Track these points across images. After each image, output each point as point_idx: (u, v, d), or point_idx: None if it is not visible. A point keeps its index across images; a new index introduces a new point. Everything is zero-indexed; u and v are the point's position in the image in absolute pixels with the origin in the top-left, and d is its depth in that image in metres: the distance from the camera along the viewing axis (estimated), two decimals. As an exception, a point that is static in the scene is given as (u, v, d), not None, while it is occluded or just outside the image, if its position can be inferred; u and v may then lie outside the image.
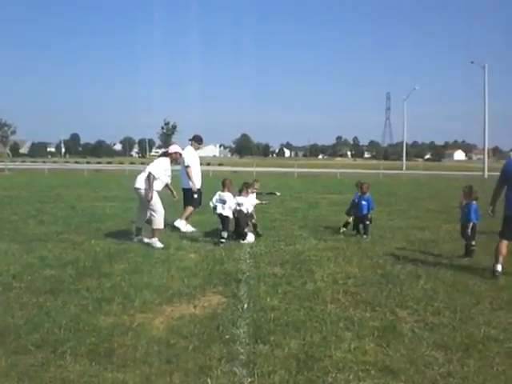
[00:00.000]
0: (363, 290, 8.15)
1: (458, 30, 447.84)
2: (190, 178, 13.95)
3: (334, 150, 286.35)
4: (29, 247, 11.16)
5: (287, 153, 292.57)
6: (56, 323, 6.30)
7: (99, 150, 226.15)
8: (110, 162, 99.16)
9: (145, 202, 11.75)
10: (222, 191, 12.35)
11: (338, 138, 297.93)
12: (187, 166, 13.92)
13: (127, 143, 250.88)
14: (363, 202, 13.65)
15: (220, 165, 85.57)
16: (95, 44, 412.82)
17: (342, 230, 13.81)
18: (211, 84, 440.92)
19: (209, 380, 4.94)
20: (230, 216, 12.11)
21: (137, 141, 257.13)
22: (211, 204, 12.35)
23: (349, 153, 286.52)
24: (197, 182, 14.07)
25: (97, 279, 8.48)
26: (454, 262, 10.30)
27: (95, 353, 5.48)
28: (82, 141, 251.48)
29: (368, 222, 13.57)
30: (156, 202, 11.72)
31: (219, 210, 12.15)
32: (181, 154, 12.82)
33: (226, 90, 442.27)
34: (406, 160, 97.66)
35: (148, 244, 11.49)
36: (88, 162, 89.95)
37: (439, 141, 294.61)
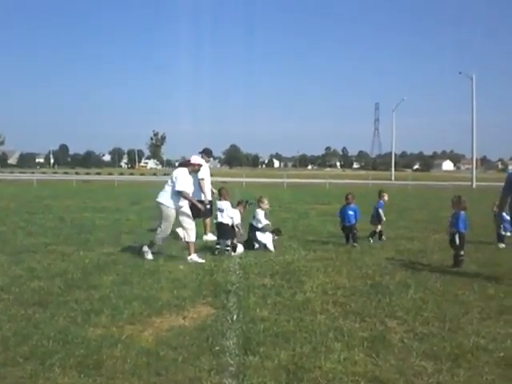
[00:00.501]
0: (353, 300, 8.15)
1: (447, 41, 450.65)
2: (202, 190, 14.08)
3: (323, 161, 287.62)
4: (17, 258, 11.10)
5: (276, 163, 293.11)
6: (44, 335, 6.26)
7: (88, 160, 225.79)
8: (98, 173, 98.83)
9: (164, 217, 11.41)
10: (219, 200, 12.48)
11: (327, 148, 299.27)
12: (201, 179, 14.07)
13: (116, 154, 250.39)
14: (350, 212, 13.75)
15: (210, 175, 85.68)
16: (84, 55, 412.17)
17: (371, 241, 14.06)
18: (200, 95, 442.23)
19: (198, 392, 4.92)
20: (230, 223, 12.23)
21: (126, 151, 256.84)
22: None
23: (338, 163, 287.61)
24: (208, 194, 14.32)
25: (86, 291, 8.44)
26: (443, 272, 10.32)
27: (84, 365, 5.45)
28: (71, 151, 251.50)
29: (355, 231, 13.71)
30: (187, 216, 11.46)
31: (219, 218, 12.30)
32: (201, 166, 12.63)
33: (215, 101, 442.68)
34: (395, 170, 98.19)
35: (188, 261, 11.11)
36: (77, 173, 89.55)
37: (428, 151, 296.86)
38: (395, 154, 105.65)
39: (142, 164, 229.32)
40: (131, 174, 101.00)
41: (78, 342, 6.09)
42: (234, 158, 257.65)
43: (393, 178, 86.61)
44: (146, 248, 11.48)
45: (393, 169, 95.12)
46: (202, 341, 6.19)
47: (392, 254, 12.33)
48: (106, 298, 7.97)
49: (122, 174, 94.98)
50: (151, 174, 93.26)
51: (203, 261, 11.10)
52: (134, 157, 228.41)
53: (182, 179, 11.36)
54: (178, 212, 11.30)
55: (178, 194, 11.23)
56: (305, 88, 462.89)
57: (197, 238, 11.76)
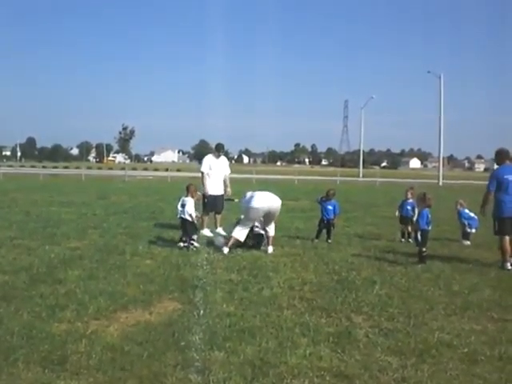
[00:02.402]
0: (319, 295, 8.18)
1: (415, 40, 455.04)
2: (202, 183, 14.49)
3: (292, 157, 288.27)
4: (-19, 253, 10.93)
5: (246, 159, 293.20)
6: (8, 330, 6.17)
7: (56, 154, 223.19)
8: (66, 167, 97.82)
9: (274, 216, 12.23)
10: (186, 196, 12.47)
11: (297, 145, 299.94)
12: (201, 172, 14.63)
13: (84, 148, 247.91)
14: (329, 207, 13.97)
15: (178, 170, 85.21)
16: (51, 46, 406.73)
17: (402, 240, 14.12)
18: (171, 89, 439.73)
19: (163, 387, 4.89)
20: (190, 219, 12.17)
21: (94, 145, 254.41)
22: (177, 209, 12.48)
23: (307, 160, 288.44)
24: (215, 188, 14.57)
25: (51, 285, 8.34)
26: (409, 269, 10.42)
27: (48, 360, 5.38)
28: (39, 145, 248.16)
29: (332, 228, 13.94)
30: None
31: (182, 214, 12.28)
32: None
33: (185, 95, 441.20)
34: (363, 167, 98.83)
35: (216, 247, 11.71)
36: (44, 167, 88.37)
37: (396, 149, 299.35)
38: (363, 152, 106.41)
39: (110, 158, 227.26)
40: (99, 168, 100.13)
41: (42, 337, 6.01)
42: (203, 153, 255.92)
43: (361, 175, 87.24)
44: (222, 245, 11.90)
45: (361, 166, 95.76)
46: (167, 336, 6.16)
47: (359, 250, 12.41)
48: (72, 293, 7.89)
49: (89, 168, 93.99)
50: (119, 169, 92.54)
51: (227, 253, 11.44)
52: (103, 151, 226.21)
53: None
54: None
55: None
56: (275, 85, 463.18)
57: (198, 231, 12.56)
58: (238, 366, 5.36)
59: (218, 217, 14.68)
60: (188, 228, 12.15)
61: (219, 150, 14.82)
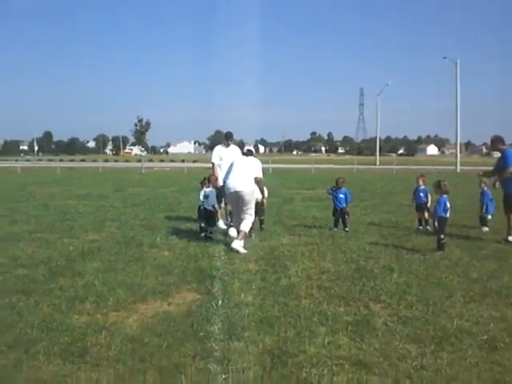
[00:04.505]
0: (337, 284, 8.18)
1: (432, 26, 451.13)
2: (213, 173, 14.05)
3: (308, 146, 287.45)
4: (1, 247, 11.03)
5: (262, 149, 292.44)
6: (28, 323, 6.23)
7: (72, 147, 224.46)
8: (83, 160, 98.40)
9: (244, 205, 11.32)
10: (208, 187, 12.59)
11: (313, 133, 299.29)
12: (212, 163, 14.46)
13: (101, 140, 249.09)
14: (341, 196, 13.88)
15: (195, 161, 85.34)
16: (66, 41, 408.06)
17: (420, 227, 13.99)
18: (185, 82, 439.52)
19: (183, 377, 4.91)
20: (213, 209, 12.29)
21: (110, 138, 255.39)
22: (199, 201, 12.65)
23: (323, 148, 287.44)
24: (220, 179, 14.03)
25: (70, 278, 8.41)
26: (427, 256, 10.37)
27: (68, 352, 5.43)
28: (55, 138, 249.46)
29: (347, 216, 13.86)
30: (254, 202, 11.68)
31: (204, 204, 12.42)
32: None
33: (200, 87, 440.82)
34: (380, 155, 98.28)
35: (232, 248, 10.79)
36: (61, 160, 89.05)
37: (412, 136, 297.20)
38: (380, 139, 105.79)
39: (126, 150, 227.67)
40: (116, 160, 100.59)
41: (62, 329, 6.06)
42: (219, 144, 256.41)
43: (377, 163, 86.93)
44: (238, 243, 10.96)
45: (377, 153, 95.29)
46: (186, 327, 6.19)
47: (376, 239, 12.37)
48: (91, 285, 7.95)
49: (106, 160, 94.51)
50: (136, 161, 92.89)
51: (245, 251, 10.72)
52: (119, 143, 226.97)
53: (258, 167, 12.01)
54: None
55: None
56: (291, 74, 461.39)
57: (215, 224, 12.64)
58: (256, 355, 5.37)
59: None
60: (210, 218, 12.26)
61: (228, 138, 14.58)
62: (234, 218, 11.87)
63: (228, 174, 11.74)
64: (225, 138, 14.71)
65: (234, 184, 11.34)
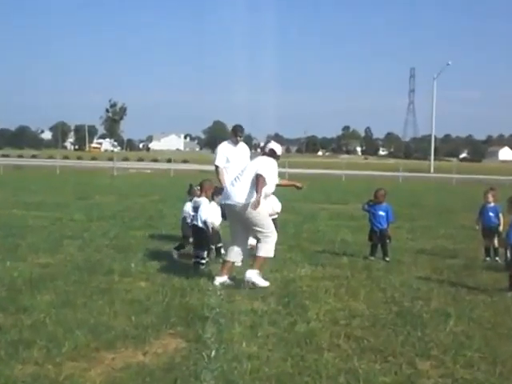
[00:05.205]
0: (372, 333, 8.17)
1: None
2: (219, 180, 14.05)
3: (338, 145, 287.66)
4: None
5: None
6: (-45, 376, 6.25)
7: (20, 139, 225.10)
8: (35, 156, 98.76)
9: (248, 223, 10.99)
10: (199, 196, 12.55)
11: (345, 128, 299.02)
12: (216, 166, 14.30)
13: (59, 130, 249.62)
14: (381, 213, 13.85)
15: (185, 162, 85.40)
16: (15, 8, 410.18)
17: (487, 259, 13.97)
18: (173, 53, 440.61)
19: None
20: (205, 228, 12.17)
21: (73, 128, 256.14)
22: (184, 213, 12.73)
23: (358, 148, 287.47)
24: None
25: (13, 315, 8.42)
26: (495, 298, 10.35)
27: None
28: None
29: (388, 241, 13.88)
30: (266, 217, 11.17)
31: (194, 220, 12.38)
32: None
33: (193, 61, 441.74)
34: (435, 159, 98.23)
35: (249, 281, 10.65)
36: (5, 156, 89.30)
37: (480, 135, 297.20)
38: (436, 138, 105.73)
39: (94, 145, 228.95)
40: (79, 157, 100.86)
41: (0, 383, 6.08)
42: (218, 139, 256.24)
43: (432, 170, 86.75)
44: (250, 276, 10.76)
45: (432, 157, 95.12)
46: (167, 384, 6.21)
47: (427, 273, 12.35)
48: (40, 325, 7.96)
49: (66, 157, 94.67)
50: (106, 159, 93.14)
51: (267, 284, 10.72)
52: (84, 135, 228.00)
53: (267, 165, 11.20)
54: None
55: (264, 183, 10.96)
56: (315, 48, 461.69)
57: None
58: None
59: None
60: (202, 239, 12.21)
61: (237, 133, 14.46)
62: (233, 243, 11.40)
63: (232, 181, 11.43)
64: (232, 134, 14.59)
65: (230, 194, 11.06)
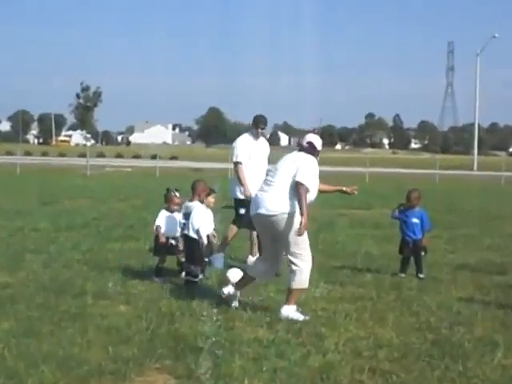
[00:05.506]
0: (402, 366, 8.18)
1: None
2: (239, 180, 14.18)
3: (361, 137, 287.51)
4: None
5: (284, 139, 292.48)
6: None
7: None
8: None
9: (282, 239, 10.73)
10: (191, 200, 12.59)
11: (369, 116, 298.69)
12: (236, 163, 14.33)
13: (20, 120, 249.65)
14: (414, 220, 13.86)
15: (173, 158, 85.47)
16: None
17: None
18: (157, 28, 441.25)
19: None
20: (198, 237, 12.18)
21: (36, 117, 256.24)
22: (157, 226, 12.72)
23: (385, 141, 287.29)
24: (254, 187, 13.44)
25: (-36, 346, 8.45)
26: (553, 323, 10.36)
27: None
28: None
29: (423, 253, 13.90)
30: (305, 237, 10.78)
31: (185, 229, 12.44)
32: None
33: (178, 36, 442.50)
34: (479, 153, 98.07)
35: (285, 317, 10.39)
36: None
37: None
38: (480, 127, 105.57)
39: (62, 138, 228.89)
40: (44, 153, 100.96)
41: None
42: (214, 131, 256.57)
43: (475, 167, 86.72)
44: (285, 312, 10.45)
45: (475, 151, 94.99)
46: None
47: (470, 292, 12.36)
48: (-2, 359, 7.99)
49: (29, 153, 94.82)
50: (77, 155, 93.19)
51: (306, 317, 10.40)
52: (50, 126, 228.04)
53: (307, 169, 10.82)
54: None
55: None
56: (330, 21, 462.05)
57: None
58: None
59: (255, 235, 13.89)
60: (195, 252, 12.24)
61: (258, 124, 14.52)
62: (260, 259, 11.39)
63: (262, 185, 11.11)
64: (253, 126, 14.68)
65: (260, 202, 10.71)
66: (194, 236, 12.13)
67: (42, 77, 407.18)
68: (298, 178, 10.38)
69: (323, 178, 10.95)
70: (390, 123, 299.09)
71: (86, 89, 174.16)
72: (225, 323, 9.87)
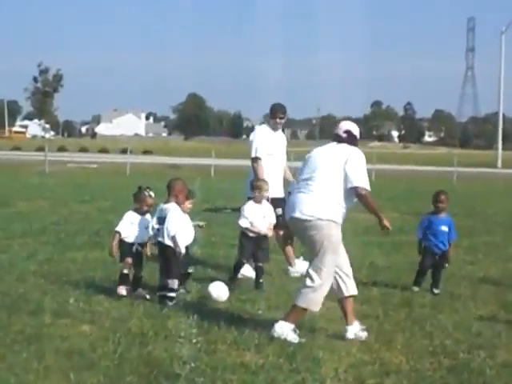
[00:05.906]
0: (414, 397, 8.21)
1: None
2: (257, 176, 14.09)
3: (366, 128, 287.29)
4: None
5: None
6: None
7: None
8: None
9: (309, 245, 10.89)
10: (166, 202, 12.55)
11: (376, 104, 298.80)
12: (255, 158, 14.28)
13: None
14: (443, 229, 13.89)
15: (147, 152, 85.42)
16: None
17: None
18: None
19: None
20: (174, 246, 12.17)
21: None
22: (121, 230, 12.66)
23: (395, 133, 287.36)
24: (276, 188, 14.15)
25: None
26: None
27: None
28: None
29: (446, 265, 13.99)
30: (335, 252, 11.10)
31: (159, 236, 12.40)
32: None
33: (152, 11, 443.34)
34: (504, 148, 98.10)
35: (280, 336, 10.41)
36: None
37: None
38: (505, 118, 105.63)
39: (16, 128, 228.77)
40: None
41: None
42: (194, 120, 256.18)
43: (499, 164, 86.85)
44: (280, 330, 10.41)
45: (499, 145, 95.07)
46: None
47: (492, 310, 12.39)
48: None
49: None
50: (35, 148, 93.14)
51: (301, 340, 10.36)
52: (2, 114, 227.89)
53: (359, 163, 10.88)
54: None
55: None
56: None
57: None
58: None
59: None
60: (171, 262, 12.23)
61: (277, 114, 14.56)
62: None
63: (301, 184, 10.97)
64: (271, 116, 14.71)
65: (297, 204, 10.71)
66: (170, 243, 12.10)
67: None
68: (357, 183, 10.55)
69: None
70: (400, 112, 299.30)
71: (44, 71, 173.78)
72: (206, 346, 9.87)
